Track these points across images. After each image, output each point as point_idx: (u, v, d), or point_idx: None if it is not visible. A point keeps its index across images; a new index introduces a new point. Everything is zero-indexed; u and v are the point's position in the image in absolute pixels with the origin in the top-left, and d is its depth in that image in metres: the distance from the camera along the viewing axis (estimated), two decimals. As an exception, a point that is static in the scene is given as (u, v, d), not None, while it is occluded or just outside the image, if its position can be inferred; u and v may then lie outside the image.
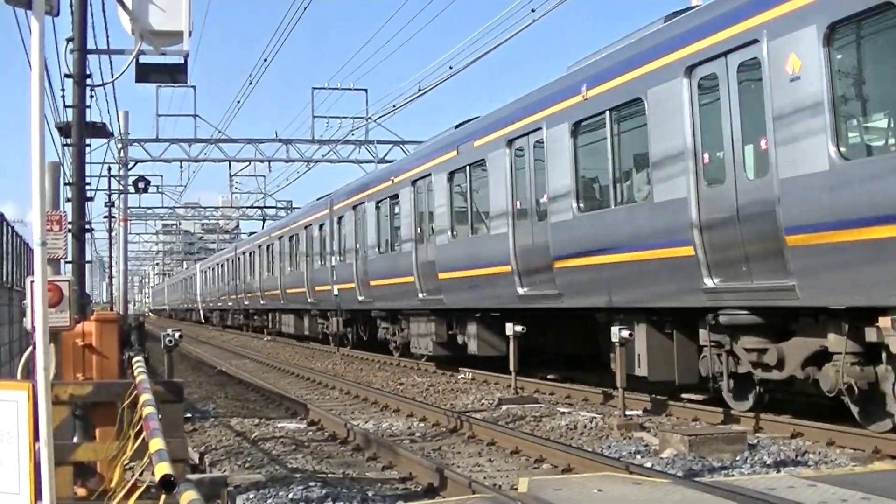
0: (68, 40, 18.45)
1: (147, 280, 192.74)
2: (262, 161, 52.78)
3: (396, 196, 29.01)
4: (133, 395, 7.96)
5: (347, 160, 51.37)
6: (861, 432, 12.85)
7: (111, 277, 73.46)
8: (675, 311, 15.93)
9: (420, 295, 26.69)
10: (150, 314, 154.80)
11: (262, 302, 55.11)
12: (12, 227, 21.32)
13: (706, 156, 14.55)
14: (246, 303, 61.40)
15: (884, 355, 12.01)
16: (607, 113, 17.03)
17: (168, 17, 11.17)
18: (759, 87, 13.24)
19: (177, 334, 16.47)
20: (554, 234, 18.87)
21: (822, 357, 13.14)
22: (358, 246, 33.44)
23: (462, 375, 25.02)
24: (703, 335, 15.21)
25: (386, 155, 49.29)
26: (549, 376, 22.28)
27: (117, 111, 42.94)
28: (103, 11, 20.68)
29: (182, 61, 16.44)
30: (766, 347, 13.94)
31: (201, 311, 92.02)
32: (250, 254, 59.44)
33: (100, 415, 9.21)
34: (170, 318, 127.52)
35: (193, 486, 4.97)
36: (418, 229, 27.13)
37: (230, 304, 69.29)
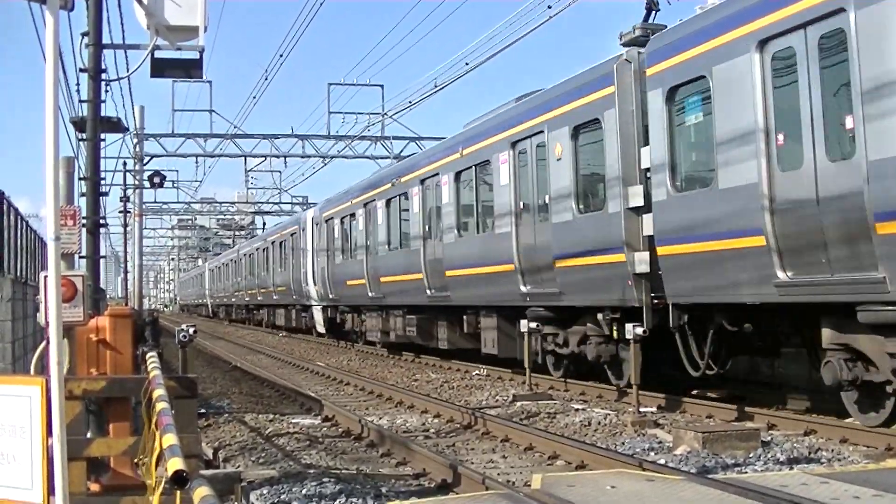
0: (83, 35, 18.53)
1: (162, 275, 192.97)
2: (277, 157, 52.91)
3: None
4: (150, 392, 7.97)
5: (363, 156, 51.43)
6: (874, 430, 12.81)
7: (126, 272, 73.62)
8: None
9: None
10: (164, 310, 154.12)
11: None
12: (27, 222, 21.39)
13: None
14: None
15: None
16: None
17: (183, 12, 11.15)
18: None
19: (191, 330, 16.48)
20: None
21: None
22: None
23: (477, 372, 25.00)
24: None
25: (401, 151, 49.30)
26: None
27: (132, 106, 43.03)
28: (119, 6, 20.76)
29: (197, 56, 16.50)
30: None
31: (318, 311, 43.50)
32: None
33: (113, 410, 9.23)
34: (211, 318, 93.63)
35: (207, 481, 4.96)
36: None
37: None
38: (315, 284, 42.06)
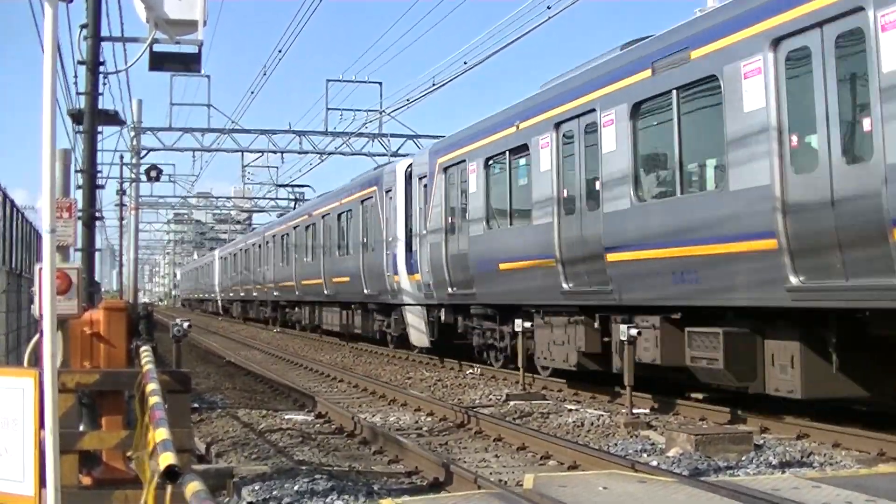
0: (82, 27, 18.49)
1: (157, 269, 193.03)
2: (275, 152, 52.89)
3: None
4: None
5: (360, 153, 51.47)
6: (867, 434, 12.83)
7: (121, 266, 73.55)
8: None
9: None
10: (159, 304, 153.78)
11: None
12: (22, 214, 21.31)
13: None
14: None
15: None
16: None
17: (183, 6, 11.13)
18: None
19: (185, 324, 16.47)
20: None
21: None
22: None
23: (470, 371, 24.99)
24: None
25: (399, 149, 49.36)
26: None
27: (130, 99, 43.09)
28: (118, -1, 20.70)
29: (196, 51, 16.49)
30: None
31: (418, 312, 28.45)
32: None
33: (106, 403, 9.22)
34: (221, 316, 79.93)
35: (199, 476, 4.95)
36: None
37: None
38: (411, 273, 28.22)
